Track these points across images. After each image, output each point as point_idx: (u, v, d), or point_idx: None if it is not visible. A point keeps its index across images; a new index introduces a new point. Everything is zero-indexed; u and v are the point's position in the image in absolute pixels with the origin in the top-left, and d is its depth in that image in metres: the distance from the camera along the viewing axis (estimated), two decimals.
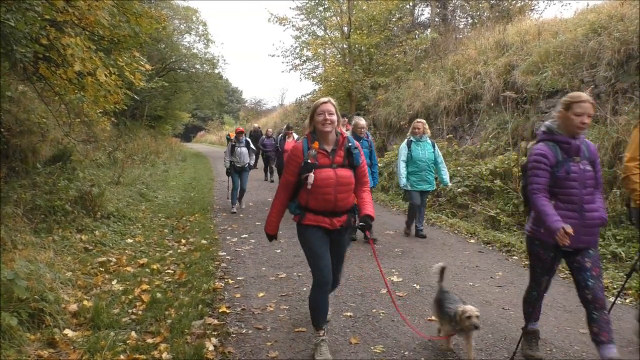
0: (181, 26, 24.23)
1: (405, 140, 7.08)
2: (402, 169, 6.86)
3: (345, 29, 17.65)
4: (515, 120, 9.04)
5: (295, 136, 10.78)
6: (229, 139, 9.52)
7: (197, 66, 24.34)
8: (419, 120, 7.15)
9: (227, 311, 4.09)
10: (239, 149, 9.14)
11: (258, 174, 17.68)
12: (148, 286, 4.59)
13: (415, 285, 4.85)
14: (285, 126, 11.69)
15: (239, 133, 9.34)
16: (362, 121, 6.77)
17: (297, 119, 24.43)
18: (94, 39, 6.38)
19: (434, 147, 7.00)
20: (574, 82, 8.15)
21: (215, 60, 24.45)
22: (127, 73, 6.89)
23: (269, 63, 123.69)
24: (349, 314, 4.07)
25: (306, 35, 19.63)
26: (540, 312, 3.42)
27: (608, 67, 7.62)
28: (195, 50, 24.41)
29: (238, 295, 4.53)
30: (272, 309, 4.19)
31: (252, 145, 9.41)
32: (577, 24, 9.56)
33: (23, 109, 7.41)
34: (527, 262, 4.23)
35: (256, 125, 19.76)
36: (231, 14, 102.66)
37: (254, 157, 9.45)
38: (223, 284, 4.84)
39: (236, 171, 9.26)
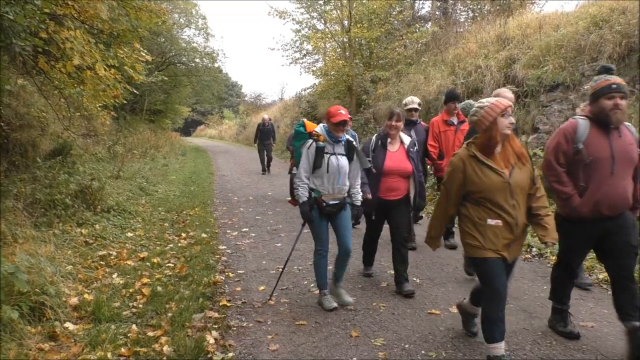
0: (181, 20, 24.11)
1: None
2: None
3: (346, 22, 17.56)
4: (516, 114, 9.00)
5: (406, 140, 4.54)
6: (302, 132, 4.13)
7: (197, 60, 24.20)
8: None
9: (228, 304, 4.10)
10: (333, 157, 3.93)
11: (254, 164, 15.29)
12: (149, 280, 4.60)
13: (415, 278, 4.85)
14: (404, 106, 6.09)
15: (340, 124, 3.89)
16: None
17: (297, 112, 24.34)
18: (93, 33, 6.36)
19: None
20: (575, 76, 8.12)
21: (215, 54, 24.35)
22: (127, 67, 6.87)
23: (269, 57, 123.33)
24: (349, 307, 4.08)
25: (306, 29, 19.56)
26: None
27: (609, 61, 7.59)
28: (195, 44, 24.32)
29: (238, 289, 4.54)
30: (272, 302, 4.20)
31: (361, 154, 4.10)
32: (578, 17, 9.51)
33: (23, 103, 7.39)
34: None
35: (266, 116, 14.85)
36: (232, 12, 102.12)
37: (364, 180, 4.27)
38: (223, 278, 4.85)
39: (323, 212, 3.98)
